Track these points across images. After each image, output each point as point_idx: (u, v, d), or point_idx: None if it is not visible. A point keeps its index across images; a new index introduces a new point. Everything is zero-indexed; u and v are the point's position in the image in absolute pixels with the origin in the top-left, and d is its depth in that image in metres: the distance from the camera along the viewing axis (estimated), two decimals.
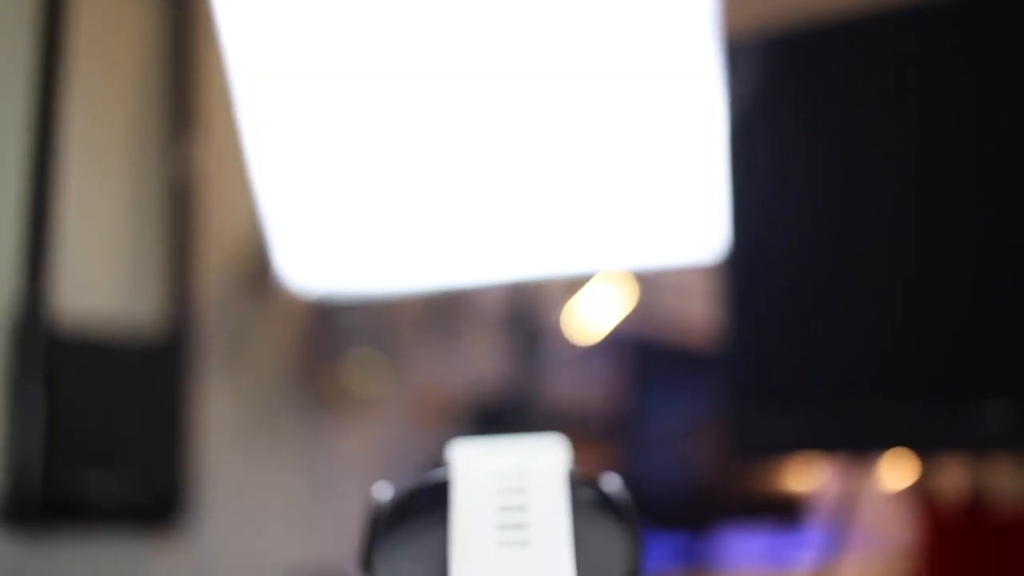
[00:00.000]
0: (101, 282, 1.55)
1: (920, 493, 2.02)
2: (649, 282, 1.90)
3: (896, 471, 1.97)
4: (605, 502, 0.34)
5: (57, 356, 1.44)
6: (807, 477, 2.29)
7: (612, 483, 0.34)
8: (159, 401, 1.52)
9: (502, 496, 0.32)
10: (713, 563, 2.26)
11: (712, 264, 1.29)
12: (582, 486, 0.33)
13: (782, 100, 1.12)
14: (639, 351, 2.24)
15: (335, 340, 1.73)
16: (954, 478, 2.01)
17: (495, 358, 1.94)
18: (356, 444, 1.80)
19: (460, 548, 0.31)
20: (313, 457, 1.76)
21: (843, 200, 1.06)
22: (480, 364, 1.93)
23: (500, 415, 1.79)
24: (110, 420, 1.47)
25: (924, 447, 1.15)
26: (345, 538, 1.56)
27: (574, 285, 1.81)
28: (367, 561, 0.35)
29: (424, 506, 0.34)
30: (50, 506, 1.42)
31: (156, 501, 1.51)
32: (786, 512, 2.28)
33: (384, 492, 0.36)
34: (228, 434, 1.66)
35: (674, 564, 2.23)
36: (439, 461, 0.35)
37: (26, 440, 1.40)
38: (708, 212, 1.32)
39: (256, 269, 1.68)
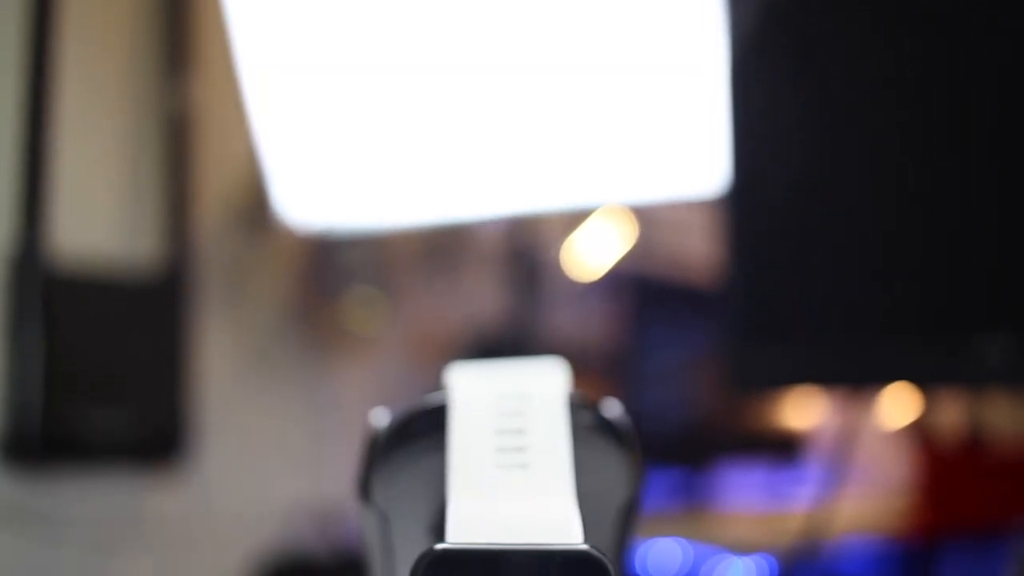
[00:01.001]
0: (98, 220, 1.54)
1: (918, 430, 2.03)
2: (649, 219, 1.89)
3: (895, 407, 1.98)
4: (606, 426, 0.33)
5: (55, 294, 1.43)
6: (805, 413, 2.29)
7: (613, 408, 0.34)
8: (158, 338, 1.52)
9: (501, 419, 0.31)
10: (711, 499, 2.27)
11: (712, 199, 1.29)
12: (582, 409, 0.33)
13: (783, 33, 1.11)
14: (639, 288, 2.24)
15: (334, 277, 1.73)
16: (953, 415, 2.01)
17: (494, 294, 1.94)
18: (355, 381, 1.81)
19: (458, 471, 0.31)
20: (312, 394, 1.76)
21: (843, 135, 1.06)
22: (479, 300, 1.93)
23: (499, 351, 1.79)
24: (109, 357, 1.47)
25: (923, 382, 1.15)
26: (345, 474, 1.56)
27: (574, 221, 1.80)
28: (365, 487, 0.35)
29: (422, 430, 0.33)
30: (50, 443, 1.42)
31: (156, 438, 1.51)
32: (784, 448, 2.29)
33: (381, 418, 0.35)
34: (227, 371, 1.66)
35: (672, 500, 2.24)
36: (438, 389, 0.34)
37: (25, 378, 1.40)
38: (708, 146, 1.31)
39: (254, 205, 1.67)
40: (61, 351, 1.42)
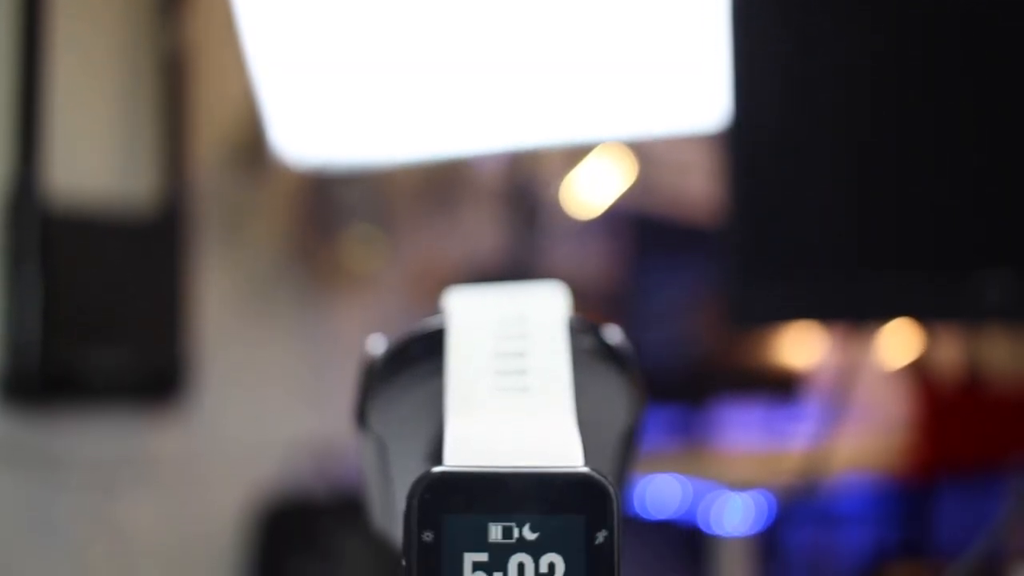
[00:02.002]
0: (95, 159, 1.53)
1: (917, 368, 2.03)
2: (649, 157, 1.88)
3: (894, 346, 1.98)
4: (607, 351, 0.33)
5: (52, 234, 1.43)
6: (804, 351, 2.30)
7: (614, 333, 0.33)
8: (156, 277, 1.51)
9: (500, 341, 0.31)
10: (710, 437, 2.27)
11: (712, 135, 1.28)
12: (583, 333, 0.32)
13: None
14: (638, 226, 2.24)
15: (332, 215, 1.72)
16: (952, 354, 2.02)
17: (493, 232, 1.93)
18: (354, 318, 1.80)
19: (456, 394, 0.30)
20: (311, 332, 1.76)
21: (845, 69, 1.05)
22: (478, 238, 1.92)
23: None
24: (108, 296, 1.47)
25: (923, 318, 1.14)
26: (345, 411, 1.56)
27: (573, 158, 1.79)
28: (361, 414, 0.34)
29: (419, 354, 0.33)
30: (49, 382, 1.42)
31: (155, 376, 1.51)
32: (783, 386, 2.29)
33: (377, 344, 0.35)
34: (226, 309, 1.65)
35: (671, 438, 2.24)
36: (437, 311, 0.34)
37: (24, 317, 1.40)
38: (708, 81, 1.30)
39: (251, 143, 1.66)
40: (59, 290, 1.42)
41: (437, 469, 0.28)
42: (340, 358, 1.76)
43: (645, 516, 2.06)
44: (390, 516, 0.36)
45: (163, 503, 1.57)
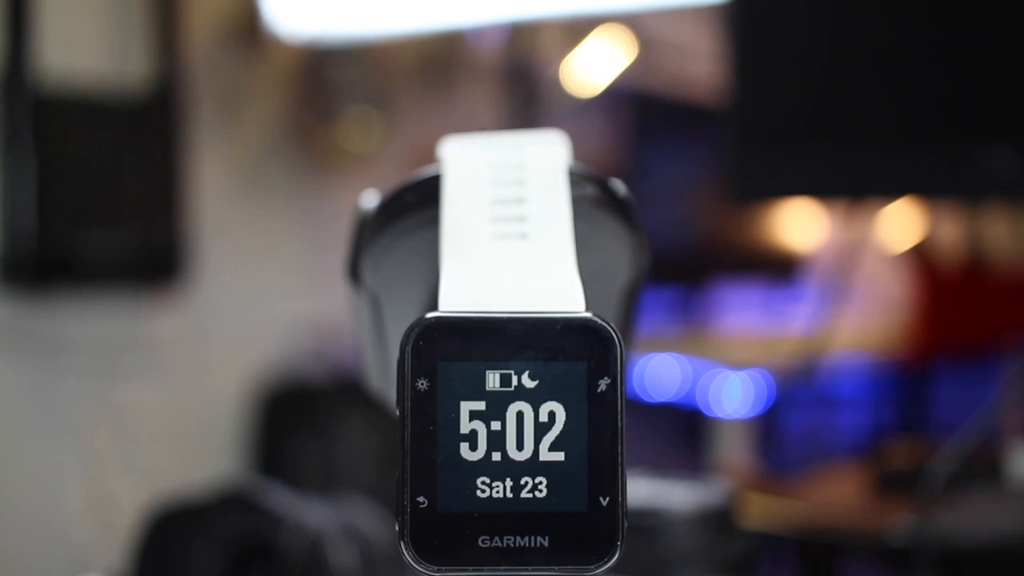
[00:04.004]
0: (87, 39, 1.51)
1: (918, 251, 2.03)
2: (649, 36, 1.85)
3: (895, 228, 1.97)
4: (610, 200, 0.32)
5: (46, 115, 1.41)
6: (805, 233, 2.29)
7: (618, 184, 0.32)
8: (151, 159, 1.50)
9: (498, 188, 0.30)
10: (709, 319, 2.28)
11: (714, 9, 1.26)
12: (585, 182, 0.31)
13: None
14: (639, 105, 2.21)
15: (328, 95, 1.69)
16: (952, 237, 2.01)
17: (491, 111, 1.91)
18: (351, 199, 1.78)
19: (452, 242, 0.29)
20: (308, 213, 1.75)
21: None
22: (476, 116, 1.90)
23: None
24: (103, 179, 1.46)
25: (924, 193, 1.13)
26: (342, 293, 1.56)
27: (573, 36, 1.77)
28: (354, 268, 0.33)
29: (413, 203, 0.31)
30: (46, 265, 1.41)
31: (153, 259, 1.50)
32: (783, 268, 2.29)
33: (370, 199, 0.33)
34: (223, 191, 1.64)
35: (671, 320, 2.25)
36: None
37: (19, 200, 1.39)
38: None
39: (246, 18, 1.63)
40: (53, 173, 1.41)
41: (431, 314, 0.27)
42: (338, 239, 1.75)
43: (645, 398, 2.07)
44: (386, 377, 0.35)
45: (164, 386, 1.58)
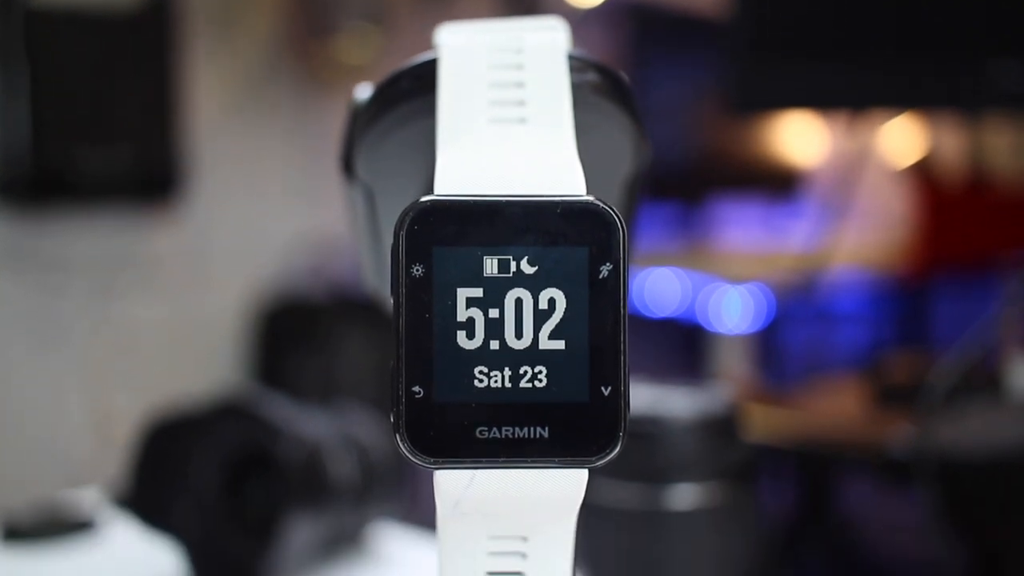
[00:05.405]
0: None
1: (920, 167, 2.01)
2: None
3: (897, 143, 1.96)
4: (613, 86, 0.31)
5: (38, 29, 1.39)
6: (806, 147, 2.28)
7: (619, 72, 0.31)
8: (147, 74, 1.48)
9: (496, 72, 0.29)
10: (710, 236, 2.27)
11: None
12: (586, 68, 0.30)
13: None
14: (639, 17, 2.19)
15: (325, 8, 1.67)
16: (954, 152, 2.00)
17: None
18: None
19: (448, 127, 0.28)
20: (306, 129, 1.73)
21: None
22: None
23: None
24: (98, 95, 1.44)
25: (927, 105, 1.11)
26: (341, 209, 1.55)
27: None
28: (347, 160, 0.32)
29: (408, 90, 0.30)
30: (43, 182, 1.41)
31: (150, 176, 1.49)
32: (783, 183, 2.28)
33: (364, 91, 0.32)
34: (220, 107, 1.63)
35: (671, 237, 2.24)
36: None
37: (13, 116, 1.38)
38: None
39: None
40: (47, 88, 1.39)
41: (426, 197, 0.26)
42: (336, 154, 1.73)
43: (646, 313, 2.07)
44: (382, 274, 0.34)
45: (162, 302, 1.57)
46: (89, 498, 0.73)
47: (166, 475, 0.59)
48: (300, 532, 0.57)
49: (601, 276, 0.26)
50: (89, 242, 1.49)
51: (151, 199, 1.51)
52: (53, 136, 1.40)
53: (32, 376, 1.45)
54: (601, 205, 0.26)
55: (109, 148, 1.44)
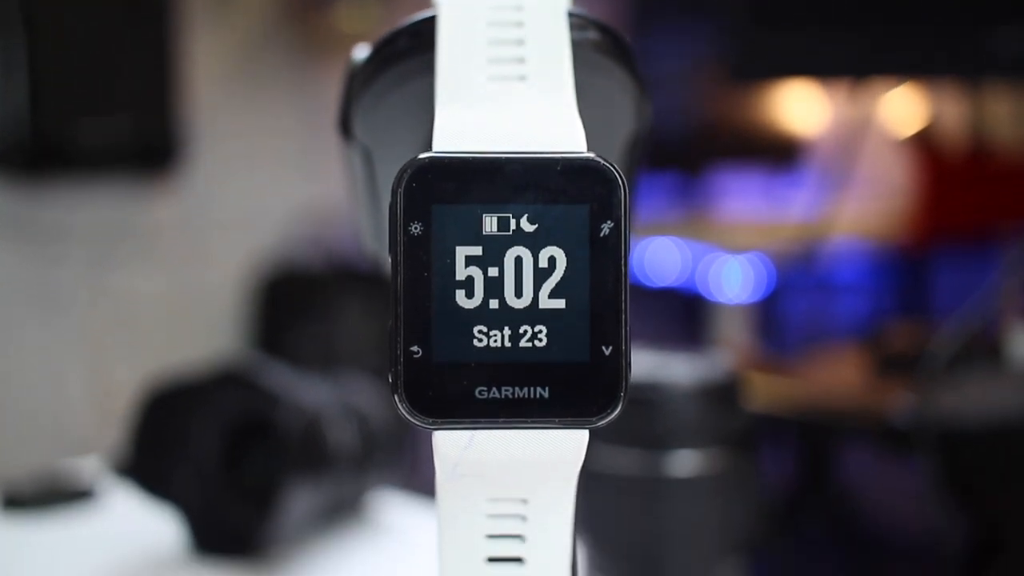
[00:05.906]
0: None
1: (920, 136, 2.01)
2: None
3: (898, 112, 1.95)
4: (613, 45, 0.30)
5: (36, 1, 1.39)
6: (806, 116, 2.27)
7: (619, 31, 0.31)
8: (146, 45, 1.47)
9: (495, 29, 0.28)
10: (710, 206, 2.27)
11: None
12: (586, 26, 0.30)
13: None
14: None
15: None
16: (955, 122, 1.99)
17: None
18: None
19: (446, 84, 0.28)
20: (305, 97, 1.73)
21: None
22: None
23: None
24: (97, 65, 1.44)
25: (928, 73, 1.11)
26: (340, 180, 1.55)
27: None
28: (345, 121, 0.32)
29: (405, 48, 0.30)
30: (42, 152, 1.40)
31: (150, 146, 1.49)
32: (784, 153, 2.27)
33: (362, 51, 0.32)
34: (219, 76, 1.62)
35: (671, 207, 2.23)
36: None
37: (11, 87, 1.37)
38: None
39: None
40: (46, 59, 1.39)
41: (424, 155, 0.26)
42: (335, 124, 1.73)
43: (646, 283, 2.07)
44: (380, 237, 0.33)
45: (162, 272, 1.57)
46: (89, 467, 0.73)
47: (166, 444, 0.59)
48: (300, 500, 0.57)
49: (602, 234, 0.26)
50: (88, 213, 1.49)
51: (150, 169, 1.51)
52: (52, 107, 1.40)
53: (31, 346, 1.45)
54: (602, 162, 0.26)
55: (108, 119, 1.44)
